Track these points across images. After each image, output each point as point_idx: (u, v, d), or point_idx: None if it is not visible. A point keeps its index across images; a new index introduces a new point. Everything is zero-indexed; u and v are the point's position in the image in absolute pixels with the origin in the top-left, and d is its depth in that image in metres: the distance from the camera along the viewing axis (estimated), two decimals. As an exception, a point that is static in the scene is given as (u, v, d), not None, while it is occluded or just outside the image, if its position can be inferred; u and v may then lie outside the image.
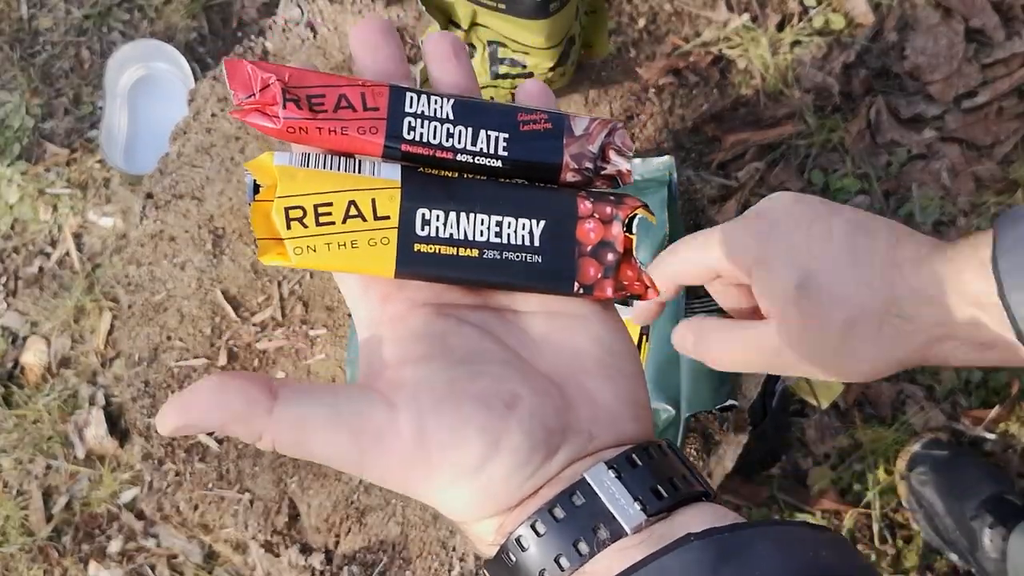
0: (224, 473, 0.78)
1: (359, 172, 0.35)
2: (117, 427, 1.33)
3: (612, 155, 0.37)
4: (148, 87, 1.48)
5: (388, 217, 0.35)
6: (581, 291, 0.36)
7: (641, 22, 1.48)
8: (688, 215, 0.82)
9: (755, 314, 0.52)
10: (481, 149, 0.36)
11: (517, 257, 0.36)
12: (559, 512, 0.33)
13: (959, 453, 1.23)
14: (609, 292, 0.36)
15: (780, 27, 1.47)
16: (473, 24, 0.73)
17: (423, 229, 0.36)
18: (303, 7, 0.90)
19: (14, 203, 1.46)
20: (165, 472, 0.78)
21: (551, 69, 0.76)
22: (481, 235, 0.36)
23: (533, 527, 0.33)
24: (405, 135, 0.35)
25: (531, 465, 0.33)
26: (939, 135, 1.41)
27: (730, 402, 0.73)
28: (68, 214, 1.45)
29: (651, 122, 0.86)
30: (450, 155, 0.36)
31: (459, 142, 0.36)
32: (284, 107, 0.34)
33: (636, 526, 0.33)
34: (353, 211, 0.35)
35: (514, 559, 0.33)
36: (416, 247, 0.35)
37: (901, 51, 1.45)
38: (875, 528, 1.24)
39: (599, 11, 0.79)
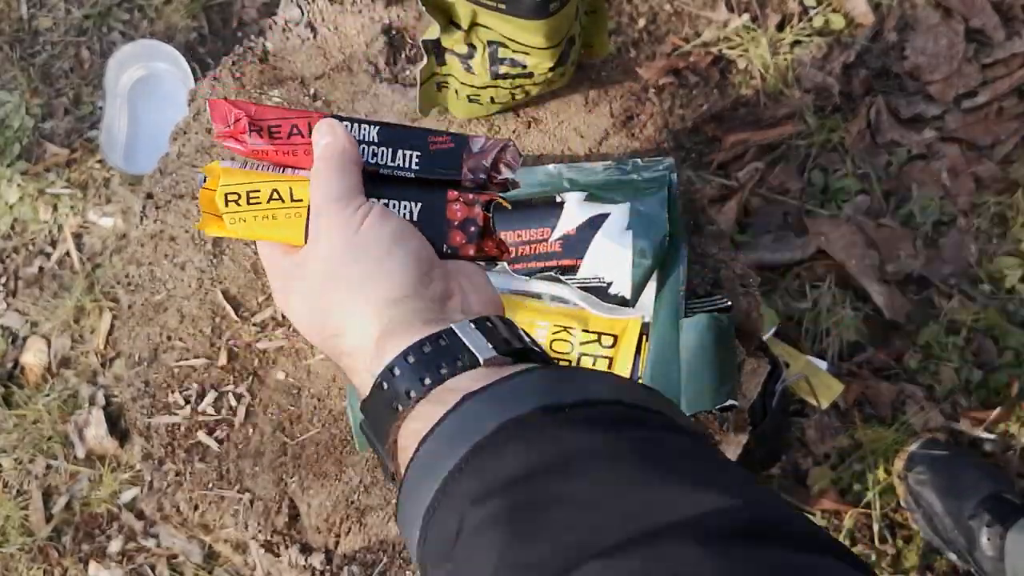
0: (224, 473, 0.78)
1: (283, 173, 0.50)
2: (117, 427, 1.33)
3: (502, 167, 0.50)
4: (148, 87, 1.48)
5: (301, 200, 0.48)
6: (449, 252, 0.49)
7: (641, 22, 1.48)
8: (688, 215, 0.82)
9: None
10: (399, 164, 0.49)
11: None
12: (427, 348, 0.42)
13: (957, 453, 1.23)
14: (471, 253, 0.50)
15: (780, 27, 1.47)
16: (473, 24, 0.73)
17: None
18: (303, 7, 0.90)
19: (14, 203, 1.46)
20: (165, 472, 0.78)
21: (551, 69, 0.76)
22: None
23: (405, 358, 0.42)
24: None
25: (420, 301, 0.45)
26: (939, 135, 1.41)
27: (730, 402, 0.73)
28: (68, 214, 1.45)
29: (651, 122, 0.86)
30: (375, 170, 0.49)
31: (381, 160, 0.49)
32: (250, 136, 0.48)
33: (489, 359, 0.42)
34: (275, 195, 0.48)
35: (387, 385, 0.42)
36: None
37: (901, 51, 1.45)
38: (875, 528, 1.24)
39: (599, 11, 0.79)
